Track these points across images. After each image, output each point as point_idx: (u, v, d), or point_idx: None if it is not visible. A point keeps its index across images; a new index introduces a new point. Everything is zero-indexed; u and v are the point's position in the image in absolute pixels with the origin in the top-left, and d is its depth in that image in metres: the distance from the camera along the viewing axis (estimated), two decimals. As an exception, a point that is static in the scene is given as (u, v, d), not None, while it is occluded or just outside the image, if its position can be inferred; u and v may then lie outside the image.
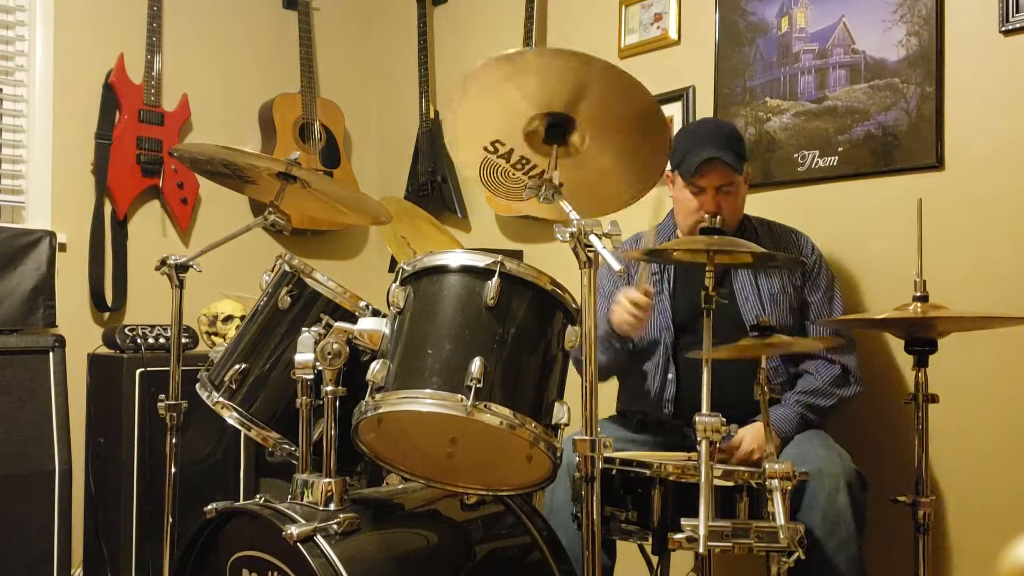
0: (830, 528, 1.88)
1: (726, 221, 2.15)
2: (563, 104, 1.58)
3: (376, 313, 1.79)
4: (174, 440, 2.06)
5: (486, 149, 1.67)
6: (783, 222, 2.38)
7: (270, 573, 1.65)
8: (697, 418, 1.55)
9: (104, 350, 2.94)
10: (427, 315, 1.61)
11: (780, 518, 1.54)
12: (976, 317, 1.79)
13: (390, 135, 3.96)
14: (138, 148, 3.26)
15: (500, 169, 1.69)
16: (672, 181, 2.29)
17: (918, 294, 1.68)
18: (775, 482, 1.57)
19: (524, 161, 1.66)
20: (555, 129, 1.61)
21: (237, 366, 1.85)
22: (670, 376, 2.22)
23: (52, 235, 2.90)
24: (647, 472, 1.74)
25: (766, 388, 1.68)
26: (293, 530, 1.54)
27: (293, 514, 1.61)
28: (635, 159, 1.69)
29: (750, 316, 2.19)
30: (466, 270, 1.61)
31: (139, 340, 2.86)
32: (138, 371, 2.78)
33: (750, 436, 2.02)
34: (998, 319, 1.78)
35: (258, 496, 1.73)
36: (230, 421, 1.85)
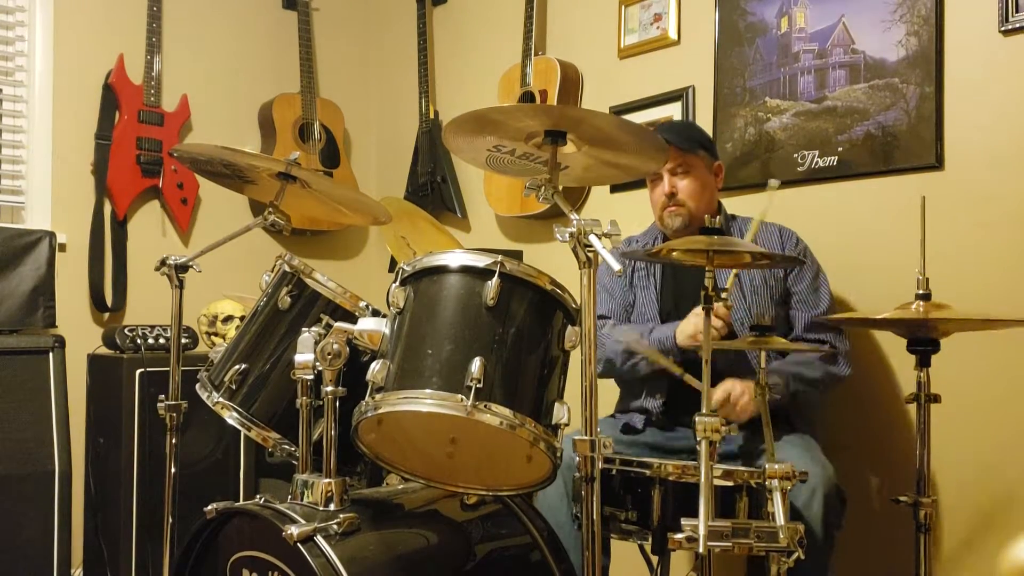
0: None
1: (684, 205, 2.24)
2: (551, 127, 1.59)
3: (376, 313, 1.79)
4: (174, 440, 2.06)
5: (489, 150, 1.68)
6: (783, 222, 2.38)
7: (270, 573, 1.65)
8: (697, 418, 1.55)
9: (104, 350, 2.94)
10: (427, 315, 1.61)
11: (780, 518, 1.54)
12: (981, 319, 1.77)
13: (390, 135, 3.96)
14: (138, 148, 3.26)
15: (506, 160, 1.71)
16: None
17: (921, 292, 1.67)
18: (775, 482, 1.57)
19: (528, 155, 1.67)
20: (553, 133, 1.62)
21: (237, 366, 1.85)
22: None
23: (52, 235, 2.90)
24: (647, 472, 1.74)
25: (766, 388, 1.68)
26: (293, 530, 1.54)
27: (293, 514, 1.61)
28: (638, 153, 1.70)
29: (734, 307, 2.20)
30: (466, 270, 1.61)
31: (139, 340, 2.86)
32: (138, 371, 2.78)
33: (731, 383, 2.01)
34: (1003, 321, 1.76)
35: (258, 496, 1.72)
36: (230, 421, 1.85)
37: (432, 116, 3.64)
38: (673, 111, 2.85)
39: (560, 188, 1.57)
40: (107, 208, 3.25)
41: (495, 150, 1.67)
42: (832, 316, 2.17)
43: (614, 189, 3.03)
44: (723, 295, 1.98)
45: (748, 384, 1.99)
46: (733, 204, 2.50)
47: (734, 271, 2.01)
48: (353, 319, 1.76)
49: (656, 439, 2.22)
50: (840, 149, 2.45)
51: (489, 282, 1.57)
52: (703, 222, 2.23)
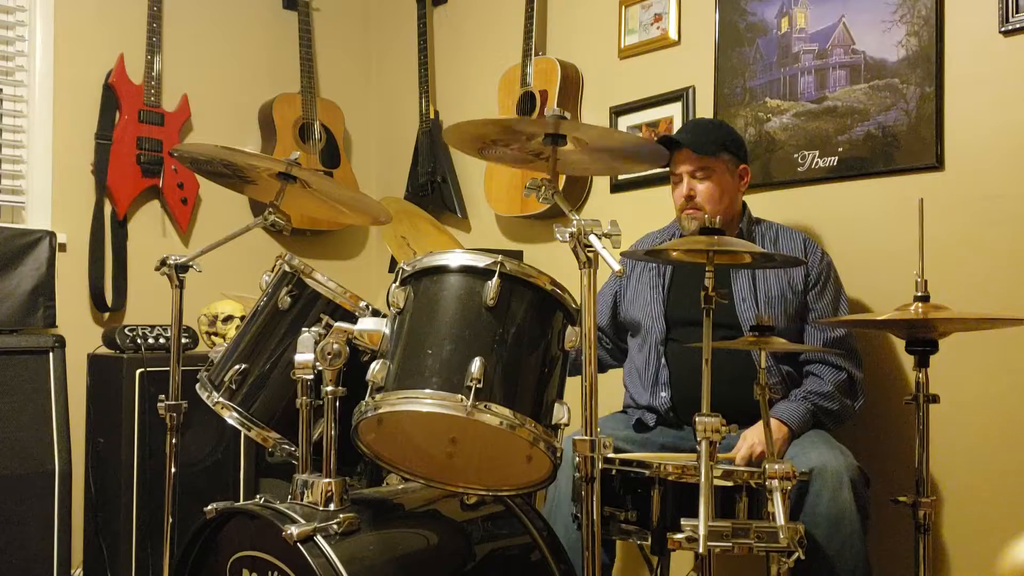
0: (835, 525, 1.88)
1: (701, 208, 2.23)
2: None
3: (376, 313, 1.79)
4: (174, 440, 2.06)
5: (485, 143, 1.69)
6: (783, 222, 2.38)
7: (270, 573, 1.65)
8: (697, 418, 1.55)
9: (104, 350, 2.94)
10: (427, 315, 1.61)
11: (780, 518, 1.54)
12: (978, 319, 1.78)
13: (390, 135, 3.96)
14: (138, 148, 3.26)
15: (502, 152, 1.73)
16: None
17: (919, 294, 1.67)
18: (775, 482, 1.57)
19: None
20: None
21: (237, 366, 1.85)
22: (663, 362, 2.26)
23: (52, 235, 2.90)
24: (646, 472, 1.74)
25: (766, 388, 1.68)
26: (293, 530, 1.55)
27: (293, 514, 1.61)
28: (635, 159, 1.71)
29: (745, 317, 2.20)
30: (466, 270, 1.61)
31: (139, 340, 2.86)
32: (138, 371, 2.78)
33: (752, 437, 2.02)
34: (1000, 320, 1.77)
35: (258, 496, 1.73)
36: (230, 421, 1.85)
37: (432, 116, 3.64)
38: (673, 111, 2.85)
39: (560, 187, 1.58)
40: (107, 208, 3.25)
41: (492, 145, 1.68)
42: (830, 319, 2.17)
43: (614, 189, 3.03)
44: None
45: (762, 437, 1.99)
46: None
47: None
48: (353, 319, 1.76)
49: (668, 439, 2.23)
50: (840, 149, 2.45)
51: (489, 282, 1.57)
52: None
